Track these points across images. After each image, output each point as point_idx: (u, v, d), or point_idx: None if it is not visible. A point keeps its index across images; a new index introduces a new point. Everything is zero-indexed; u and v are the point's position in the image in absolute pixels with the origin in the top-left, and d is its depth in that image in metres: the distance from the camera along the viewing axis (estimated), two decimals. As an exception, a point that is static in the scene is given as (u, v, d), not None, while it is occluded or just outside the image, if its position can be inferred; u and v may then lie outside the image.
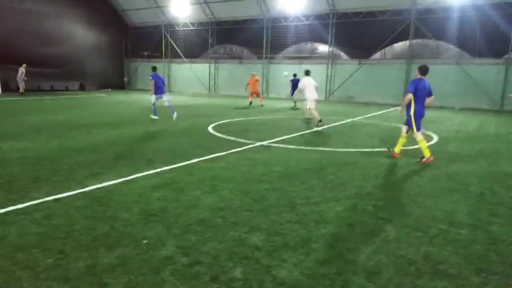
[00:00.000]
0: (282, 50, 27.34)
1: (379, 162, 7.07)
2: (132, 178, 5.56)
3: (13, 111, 14.75)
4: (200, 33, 29.67)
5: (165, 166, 6.31)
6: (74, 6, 28.63)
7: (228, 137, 9.30)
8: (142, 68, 32.53)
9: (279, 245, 3.47)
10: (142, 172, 5.89)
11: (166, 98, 12.84)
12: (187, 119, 13.10)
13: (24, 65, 23.37)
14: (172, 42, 30.80)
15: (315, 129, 11.56)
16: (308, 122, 13.14)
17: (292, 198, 4.82)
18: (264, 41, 26.60)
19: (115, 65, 33.02)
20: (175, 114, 12.34)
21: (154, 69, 13.13)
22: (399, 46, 24.26)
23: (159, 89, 12.66)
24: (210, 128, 10.92)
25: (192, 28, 29.81)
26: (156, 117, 12.62)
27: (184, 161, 6.67)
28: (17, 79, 23.32)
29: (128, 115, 14.12)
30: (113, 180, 5.42)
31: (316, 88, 12.79)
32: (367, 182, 5.68)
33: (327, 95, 25.07)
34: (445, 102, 20.73)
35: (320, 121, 11.98)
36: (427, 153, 7.01)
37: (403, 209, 4.55)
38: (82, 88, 30.11)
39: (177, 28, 30.60)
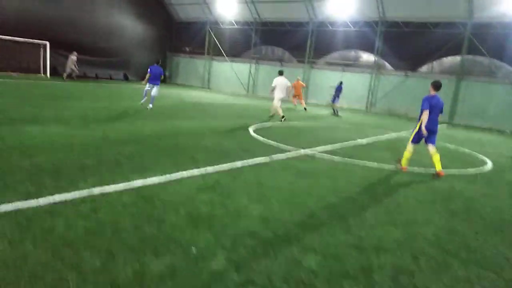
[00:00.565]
0: (324, 55, 26.86)
1: (433, 185, 6.61)
2: (177, 177, 5.41)
3: (60, 96, 15.13)
4: (243, 33, 29.63)
5: (209, 166, 6.14)
6: (125, -3, 29.38)
7: (270, 142, 9.06)
8: (184, 63, 32.89)
9: (338, 272, 3.18)
10: (186, 170, 5.74)
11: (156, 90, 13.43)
12: (228, 119, 12.98)
13: (75, 53, 24.06)
14: (215, 39, 30.93)
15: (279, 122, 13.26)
16: (271, 118, 14.26)
17: (344, 218, 4.50)
18: (308, 45, 26.17)
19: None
20: (150, 106, 13.02)
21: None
22: (448, 60, 23.22)
23: (152, 80, 13.40)
24: (251, 130, 10.73)
25: (236, 26, 29.81)
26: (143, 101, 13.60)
27: (228, 163, 6.48)
28: (67, 65, 24.05)
29: (170, 109, 14.14)
30: (158, 176, 5.29)
31: (287, 88, 14.00)
32: (424, 207, 5.27)
33: (368, 106, 24.35)
34: (495, 124, 19.63)
35: (283, 117, 13.61)
36: (404, 163, 7.37)
37: (467, 243, 4.13)
38: (125, 78, 30.78)
39: (221, 26, 30.70)
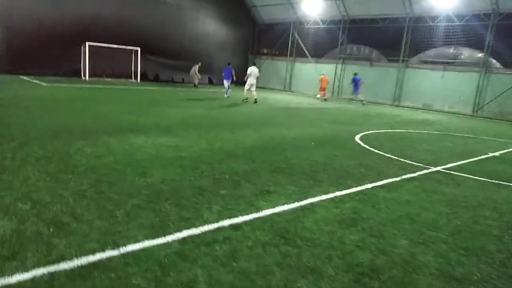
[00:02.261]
0: (418, 53, 24.48)
1: None
2: (306, 204, 4.56)
3: (155, 102, 15.27)
4: (329, 32, 28.29)
5: (336, 189, 5.21)
6: (210, 1, 29.67)
7: (387, 155, 7.86)
8: (265, 66, 32.45)
9: None
10: (313, 195, 4.87)
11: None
12: (327, 126, 11.95)
13: (199, 64, 26.04)
14: (299, 39, 29.99)
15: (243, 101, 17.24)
16: (245, 101, 17.46)
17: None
18: (404, 42, 24.05)
19: (240, 62, 33.51)
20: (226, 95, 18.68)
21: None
22: None
23: (226, 77, 19.24)
24: (358, 139, 9.60)
25: (322, 26, 28.56)
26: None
27: (356, 186, 5.49)
28: (190, 74, 26.01)
29: (263, 115, 13.49)
30: (285, 203, 4.50)
31: (257, 76, 17.74)
32: None
33: (475, 109, 21.60)
34: None
35: (246, 99, 17.39)
36: None
37: None
38: (210, 82, 31.18)
39: (306, 26, 29.68)
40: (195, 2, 29.08)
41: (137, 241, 3.27)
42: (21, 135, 6.91)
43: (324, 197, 4.89)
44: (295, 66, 30.94)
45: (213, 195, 4.60)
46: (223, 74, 19.35)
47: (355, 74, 23.31)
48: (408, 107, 23.45)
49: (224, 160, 6.37)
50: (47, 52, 22.19)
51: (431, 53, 24.26)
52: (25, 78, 20.47)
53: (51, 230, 3.35)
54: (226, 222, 3.83)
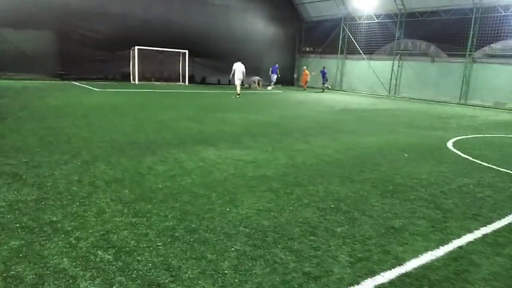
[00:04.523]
0: (483, 47, 22.27)
1: None
2: (454, 248, 3.49)
3: (209, 105, 14.52)
4: (383, 26, 26.53)
5: (477, 223, 4.08)
6: (258, 0, 28.82)
7: (503, 169, 6.52)
8: (314, 64, 31.14)
9: None
10: (454, 234, 3.79)
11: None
12: (404, 130, 10.63)
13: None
14: (351, 36, 28.43)
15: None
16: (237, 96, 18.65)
17: None
18: (471, 35, 21.96)
19: (287, 61, 32.45)
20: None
21: None
22: None
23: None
24: (452, 148, 8.29)
25: (376, 20, 26.85)
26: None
27: (499, 217, 4.29)
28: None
29: (331, 121, 12.37)
30: (427, 248, 3.47)
31: (243, 72, 18.89)
32: None
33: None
34: None
35: (238, 94, 18.71)
36: None
37: None
38: (258, 83, 30.32)
39: (358, 21, 28.08)
40: (243, 2, 28.33)
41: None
42: (84, 150, 6.25)
43: (470, 237, 3.75)
44: (345, 63, 29.40)
45: (330, 234, 3.58)
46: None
47: (323, 68, 27.49)
48: (477, 106, 21.36)
49: (316, 180, 5.34)
50: (97, 57, 22.24)
51: (498, 46, 22.00)
52: (77, 83, 20.55)
53: (148, 300, 2.47)
54: (368, 284, 2.79)
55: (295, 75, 33.42)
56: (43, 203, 3.94)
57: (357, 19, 28.11)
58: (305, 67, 29.09)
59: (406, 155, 7.38)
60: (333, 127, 10.51)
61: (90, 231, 3.36)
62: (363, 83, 27.79)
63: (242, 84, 19.27)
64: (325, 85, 27.47)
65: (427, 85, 23.86)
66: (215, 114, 11.72)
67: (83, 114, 10.18)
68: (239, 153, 6.69)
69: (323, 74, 27.10)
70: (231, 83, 28.22)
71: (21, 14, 19.83)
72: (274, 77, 28.04)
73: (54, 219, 3.57)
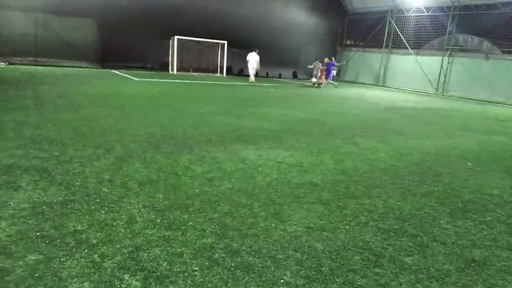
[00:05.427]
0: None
1: None
2: None
3: (248, 99, 14.00)
4: (433, 20, 24.91)
5: None
6: (300, -10, 27.96)
7: None
8: (356, 58, 29.91)
9: None
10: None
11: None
12: (460, 133, 9.66)
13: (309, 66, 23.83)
14: (397, 29, 26.96)
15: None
16: (254, 85, 19.40)
17: None
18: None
19: (328, 54, 31.26)
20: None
21: None
22: None
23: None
24: (520, 157, 7.33)
25: (426, 13, 25.25)
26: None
27: None
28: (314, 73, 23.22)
29: (368, 119, 11.53)
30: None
31: (257, 62, 19.55)
32: None
33: None
34: None
35: (253, 82, 19.62)
36: None
37: None
38: (294, 76, 29.56)
39: (406, 14, 26.55)
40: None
41: None
42: (118, 144, 5.89)
43: None
44: (390, 58, 27.98)
45: (398, 267, 2.96)
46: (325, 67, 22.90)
47: (333, 58, 24.94)
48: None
49: (371, 191, 4.69)
50: (137, 45, 22.26)
51: None
52: (116, 72, 20.64)
53: None
54: None
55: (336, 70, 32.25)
56: (69, 206, 3.55)
57: (405, 12, 26.58)
58: (326, 59, 24.11)
59: (469, 164, 6.53)
60: (381, 127, 9.71)
61: (118, 246, 2.91)
62: (408, 79, 26.33)
63: (256, 74, 20.20)
64: (332, 81, 23.77)
65: (479, 84, 22.21)
66: (254, 109, 11.19)
67: (120, 104, 9.93)
68: (281, 154, 6.12)
69: (330, 67, 23.52)
70: (268, 75, 27.80)
71: (64, 1, 20.08)
72: (333, 73, 25.76)
73: (79, 227, 3.15)
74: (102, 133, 6.57)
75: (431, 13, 24.89)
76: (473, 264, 3.11)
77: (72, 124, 7.09)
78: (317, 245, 3.19)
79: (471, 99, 22.36)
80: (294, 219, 3.68)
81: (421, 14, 25.60)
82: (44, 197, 3.70)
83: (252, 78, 19.86)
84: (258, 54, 19.80)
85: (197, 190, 4.24)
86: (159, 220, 3.41)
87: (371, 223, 3.74)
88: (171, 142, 6.34)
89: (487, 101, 21.45)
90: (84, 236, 3.03)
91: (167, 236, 3.13)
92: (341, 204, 4.18)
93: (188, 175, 4.74)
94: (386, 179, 5.25)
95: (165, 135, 6.84)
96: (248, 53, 20.15)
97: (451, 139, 8.75)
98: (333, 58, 27.08)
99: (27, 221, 3.20)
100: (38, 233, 3.01)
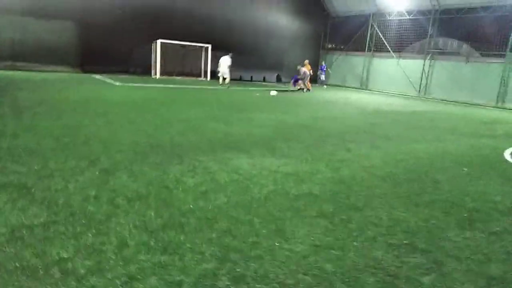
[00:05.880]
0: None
1: None
2: None
3: (235, 104, 13.73)
4: (414, 24, 25.21)
5: None
6: (285, -6, 27.94)
7: None
8: (340, 62, 30.05)
9: None
10: None
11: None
12: (450, 137, 9.63)
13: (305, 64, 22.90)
14: (379, 33, 27.20)
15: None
16: (224, 86, 20.10)
17: None
18: (513, 34, 20.57)
19: (311, 58, 31.27)
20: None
21: None
22: None
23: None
24: (510, 159, 7.32)
25: (408, 17, 25.54)
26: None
27: None
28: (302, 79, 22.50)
29: (356, 124, 11.43)
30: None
31: (228, 65, 19.92)
32: None
33: None
34: None
35: (221, 84, 20.11)
36: None
37: None
38: (278, 79, 29.45)
39: (388, 18, 26.81)
40: (268, -5, 27.43)
41: None
42: (103, 155, 5.54)
43: None
44: (373, 61, 28.20)
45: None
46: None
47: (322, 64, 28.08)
48: (516, 110, 20.01)
49: (373, 201, 4.50)
50: (118, 49, 21.75)
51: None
52: (97, 76, 20.07)
53: None
54: None
55: (318, 73, 32.33)
56: (52, 229, 3.21)
57: (387, 15, 26.84)
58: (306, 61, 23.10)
59: (465, 169, 6.44)
60: (371, 132, 9.59)
61: (109, 276, 2.61)
62: (391, 82, 26.57)
63: (224, 78, 20.30)
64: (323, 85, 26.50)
65: (460, 86, 22.56)
66: (241, 114, 10.94)
67: (103, 111, 9.53)
68: (275, 163, 5.88)
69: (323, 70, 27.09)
70: (252, 79, 27.62)
71: (42, 2, 19.41)
72: (323, 76, 27.67)
73: (65, 255, 2.83)
74: (85, 143, 6.20)
75: (413, 17, 25.20)
76: (493, 281, 2.93)
77: (53, 133, 6.68)
78: (327, 267, 2.95)
79: (452, 101, 22.67)
80: (299, 236, 3.43)
81: (402, 17, 25.89)
82: (23, 219, 3.35)
83: (221, 81, 20.31)
84: (231, 57, 20.22)
85: (191, 206, 3.95)
86: (152, 243, 3.11)
87: (379, 238, 3.53)
88: (159, 151, 6.03)
89: (468, 104, 21.77)
90: (70, 265, 2.71)
91: (163, 262, 2.84)
92: (344, 217, 3.96)
93: (180, 188, 4.45)
94: (385, 188, 5.07)
95: (151, 143, 6.51)
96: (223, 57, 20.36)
97: (442, 143, 8.69)
98: (323, 62, 27.42)
99: (4, 248, 2.86)
100: (17, 264, 2.68)
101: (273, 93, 17.66)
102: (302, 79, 21.37)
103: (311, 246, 3.27)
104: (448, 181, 5.64)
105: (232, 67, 26.53)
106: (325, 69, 27.75)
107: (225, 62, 20.14)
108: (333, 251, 3.21)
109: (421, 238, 3.61)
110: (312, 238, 3.41)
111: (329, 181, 5.18)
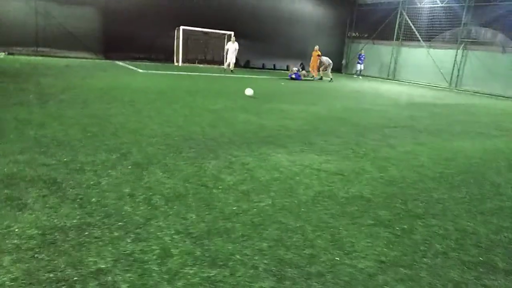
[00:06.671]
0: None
1: None
2: None
3: (262, 94, 13.25)
4: (448, 12, 24.04)
5: None
6: (310, -20, 27.07)
7: None
8: (366, 51, 29.05)
9: None
10: None
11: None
12: (495, 132, 8.96)
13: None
14: (409, 21, 26.11)
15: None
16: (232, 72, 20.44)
17: None
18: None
19: (336, 46, 30.50)
20: None
21: None
22: None
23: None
24: None
25: (440, 4, 24.38)
26: None
27: None
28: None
29: (394, 117, 10.84)
30: None
31: (236, 50, 20.50)
32: None
33: None
34: None
35: (232, 71, 20.56)
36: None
37: None
38: (302, 68, 28.70)
39: (418, 5, 25.67)
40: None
41: None
42: (134, 147, 5.22)
43: None
44: (401, 51, 27.16)
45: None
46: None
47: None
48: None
49: (434, 208, 4.04)
50: (141, 36, 21.48)
51: None
52: (120, 63, 19.89)
53: None
54: None
55: (343, 62, 31.51)
56: (86, 233, 2.89)
57: (418, 3, 25.69)
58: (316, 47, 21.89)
59: (524, 172, 5.87)
60: (411, 126, 9.03)
61: (154, 296, 2.26)
62: (420, 72, 25.55)
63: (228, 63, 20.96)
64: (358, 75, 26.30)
65: (495, 78, 21.47)
66: (271, 104, 10.50)
67: (129, 99, 9.24)
68: (316, 160, 5.46)
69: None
70: (275, 68, 27.05)
71: (66, -12, 19.28)
72: (361, 66, 26.81)
73: (103, 265, 2.50)
74: (114, 133, 5.90)
75: (445, 4, 24.01)
76: None
77: (80, 122, 6.41)
78: (400, 289, 2.54)
79: (486, 93, 21.64)
80: (359, 249, 3.02)
81: (434, 5, 24.72)
82: (55, 220, 3.04)
83: (225, 66, 21.24)
84: (233, 42, 20.71)
85: (234, 208, 3.58)
86: (198, 253, 2.76)
87: (451, 253, 3.09)
88: (192, 144, 5.67)
89: (504, 96, 20.73)
90: (110, 278, 2.37)
91: (213, 278, 2.48)
92: (405, 226, 3.53)
93: (220, 187, 4.08)
94: (442, 191, 4.59)
95: (183, 136, 6.17)
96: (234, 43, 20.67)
97: (490, 140, 8.09)
98: (362, 51, 26.56)
99: (36, 255, 2.54)
100: (51, 274, 2.36)
101: (249, 92, 11.55)
102: (325, 67, 21.20)
103: (376, 262, 2.86)
104: (508, 184, 5.11)
105: (254, 55, 26.09)
106: (363, 58, 26.75)
107: (232, 47, 20.65)
108: (402, 269, 2.79)
109: (497, 255, 3.15)
110: (375, 252, 3.00)
111: (378, 182, 4.73)
